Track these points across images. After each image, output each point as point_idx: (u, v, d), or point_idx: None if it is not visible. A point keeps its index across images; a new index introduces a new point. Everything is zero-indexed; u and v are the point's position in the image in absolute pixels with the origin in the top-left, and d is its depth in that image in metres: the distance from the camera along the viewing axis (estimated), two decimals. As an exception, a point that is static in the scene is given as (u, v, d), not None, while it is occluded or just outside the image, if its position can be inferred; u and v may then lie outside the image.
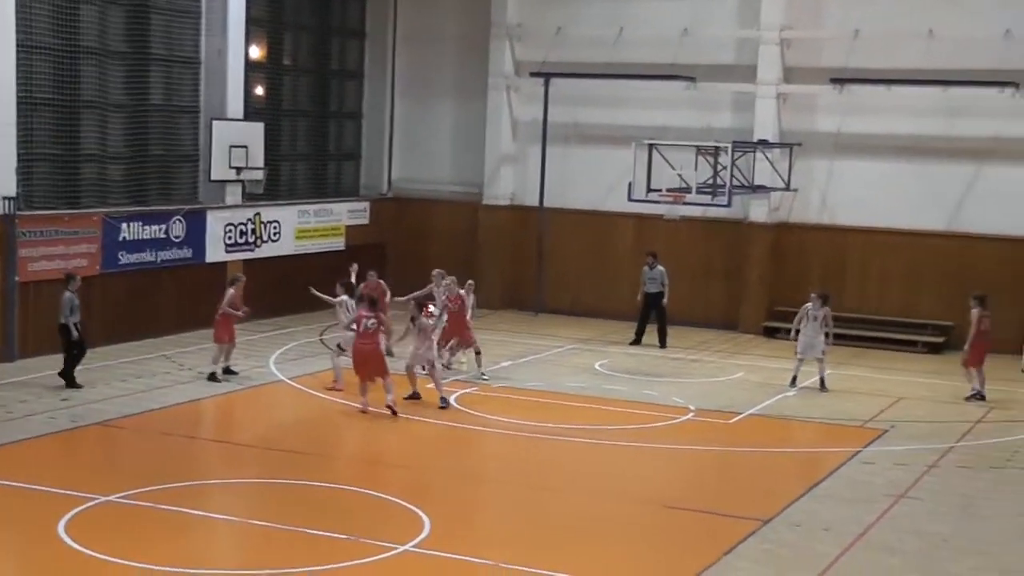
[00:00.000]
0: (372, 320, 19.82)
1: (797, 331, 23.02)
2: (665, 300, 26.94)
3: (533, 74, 30.67)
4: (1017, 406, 22.40)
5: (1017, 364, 25.46)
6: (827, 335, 22.91)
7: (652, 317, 27.15)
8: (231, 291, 21.75)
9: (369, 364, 19.81)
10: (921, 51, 27.38)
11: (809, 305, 22.95)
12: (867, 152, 28.51)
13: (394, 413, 19.53)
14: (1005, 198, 27.31)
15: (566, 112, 30.90)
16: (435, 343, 21.00)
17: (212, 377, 21.51)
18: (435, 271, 24.03)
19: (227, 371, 21.84)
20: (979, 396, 22.45)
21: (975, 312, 22.78)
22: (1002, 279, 27.10)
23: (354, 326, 20.12)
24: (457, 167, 32.55)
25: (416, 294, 22.93)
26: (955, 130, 27.76)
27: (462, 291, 23.08)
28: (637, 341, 26.98)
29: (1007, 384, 24.07)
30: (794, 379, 23.03)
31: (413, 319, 20.93)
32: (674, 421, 20.29)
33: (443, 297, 22.79)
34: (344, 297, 21.95)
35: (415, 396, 20.60)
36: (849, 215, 28.77)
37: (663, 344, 26.73)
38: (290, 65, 30.56)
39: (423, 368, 20.63)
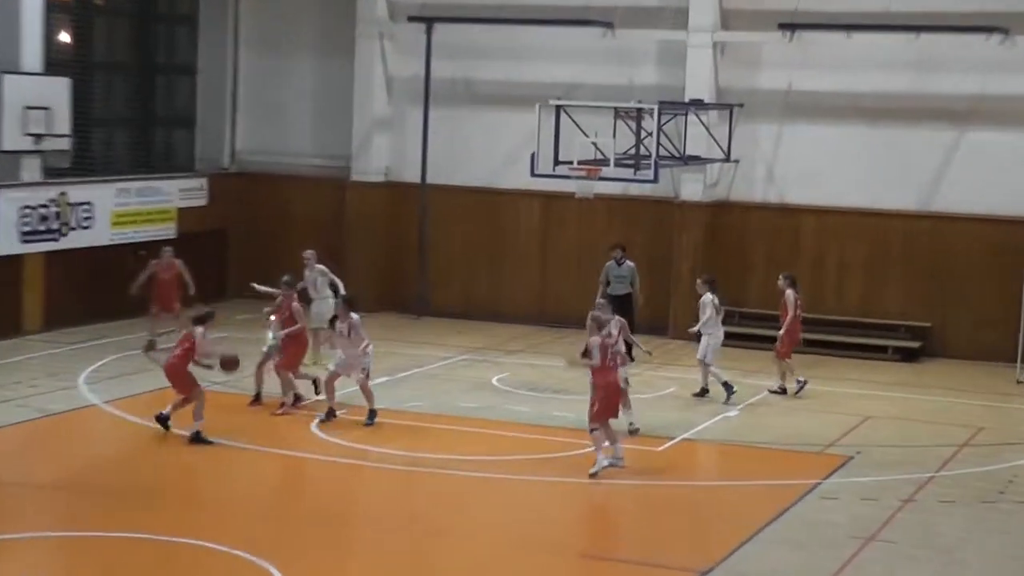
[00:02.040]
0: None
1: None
2: (638, 304, 26.33)
3: (412, 19, 30.49)
4: (1010, 426, 22.63)
5: (1011, 374, 25.74)
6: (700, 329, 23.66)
7: None
8: (200, 331, 20.09)
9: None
10: (888, -10, 27.69)
11: (710, 296, 23.37)
12: (823, 115, 28.70)
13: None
14: (990, 170, 27.62)
15: (453, 66, 30.73)
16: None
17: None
18: (306, 252, 24.86)
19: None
20: (800, 386, 23.80)
21: (791, 294, 23.76)
22: (987, 270, 27.42)
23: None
24: (318, 135, 32.30)
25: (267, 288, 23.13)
26: (929, 87, 28.03)
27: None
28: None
29: (1000, 398, 24.37)
30: (728, 388, 23.18)
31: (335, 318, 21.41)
32: (590, 449, 20.12)
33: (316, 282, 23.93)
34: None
35: (331, 414, 21.10)
36: (801, 192, 28.95)
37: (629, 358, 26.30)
38: (103, 5, 30.07)
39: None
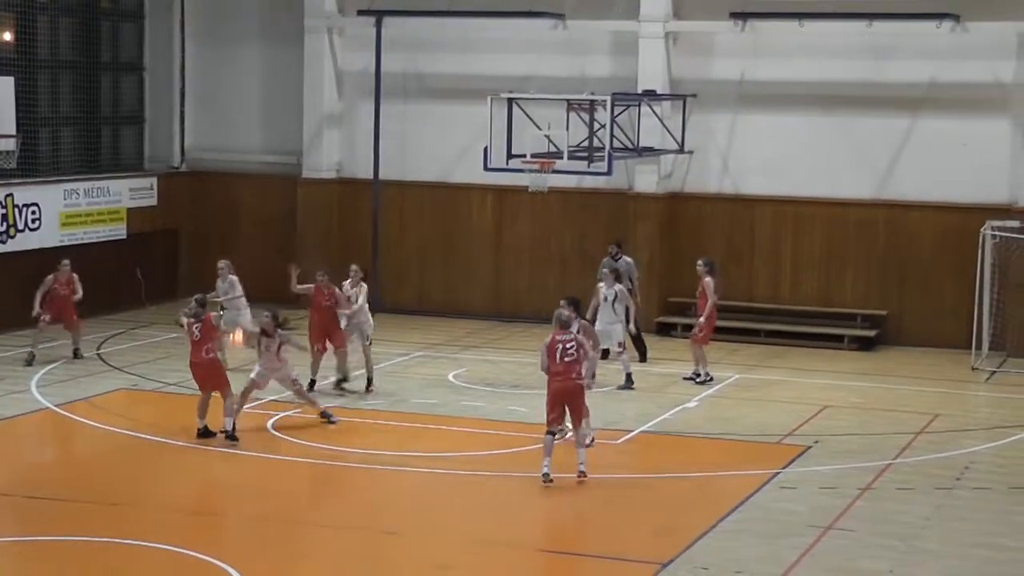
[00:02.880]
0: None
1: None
2: (636, 300, 25.73)
3: (361, 12, 30.45)
4: (966, 413, 22.85)
5: (966, 361, 25.97)
6: (627, 318, 23.85)
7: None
8: (215, 315, 20.63)
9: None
10: (840, -22, 27.84)
11: (602, 284, 23.53)
12: (777, 104, 28.84)
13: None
14: (945, 158, 27.83)
15: (404, 60, 30.74)
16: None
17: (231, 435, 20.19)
18: (220, 262, 24.98)
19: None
20: (708, 377, 24.12)
21: (710, 281, 23.97)
22: (942, 257, 27.66)
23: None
24: (269, 132, 32.23)
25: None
26: (883, 75, 28.22)
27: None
28: (643, 358, 26.01)
29: (956, 385, 24.58)
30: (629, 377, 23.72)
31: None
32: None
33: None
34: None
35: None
36: (757, 182, 29.10)
37: (643, 357, 26.12)
38: (46, 2, 29.90)
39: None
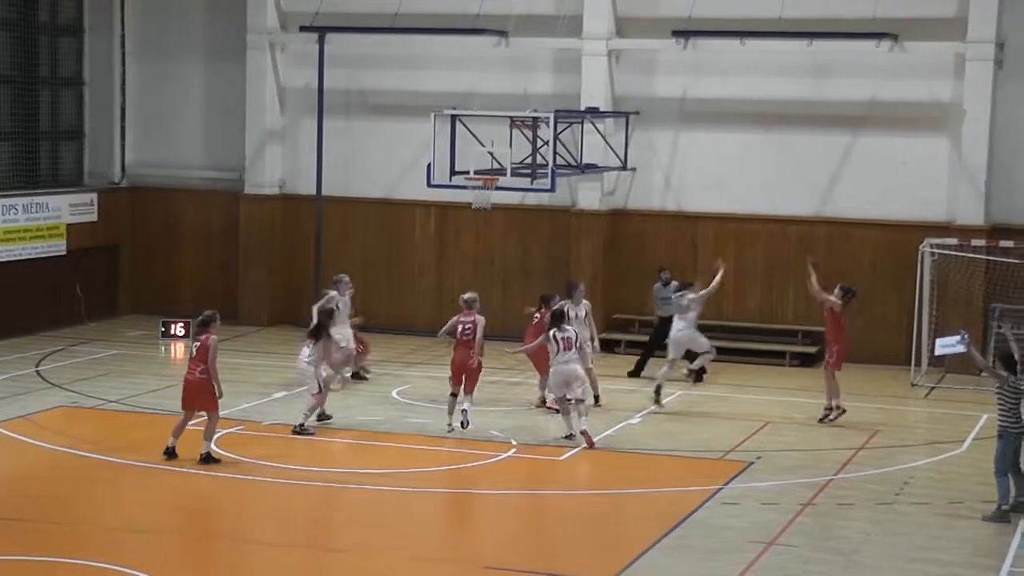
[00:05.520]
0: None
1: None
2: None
3: (304, 28, 30.43)
4: (905, 429, 23.11)
5: (906, 377, 26.25)
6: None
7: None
8: (214, 338, 20.03)
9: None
10: (781, -3, 28.09)
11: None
12: (719, 121, 29.06)
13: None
14: (884, 175, 28.12)
15: (347, 76, 30.77)
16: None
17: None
18: (344, 276, 25.61)
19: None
20: (841, 411, 23.12)
21: (839, 303, 23.39)
22: (881, 274, 27.94)
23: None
24: (210, 148, 32.15)
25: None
26: (823, 93, 28.50)
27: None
28: (636, 372, 26.41)
29: (895, 402, 24.82)
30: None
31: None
32: (492, 460, 20.32)
33: None
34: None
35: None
36: (699, 199, 29.29)
37: (638, 372, 26.44)
38: (-16, 16, 29.79)
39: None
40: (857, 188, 28.30)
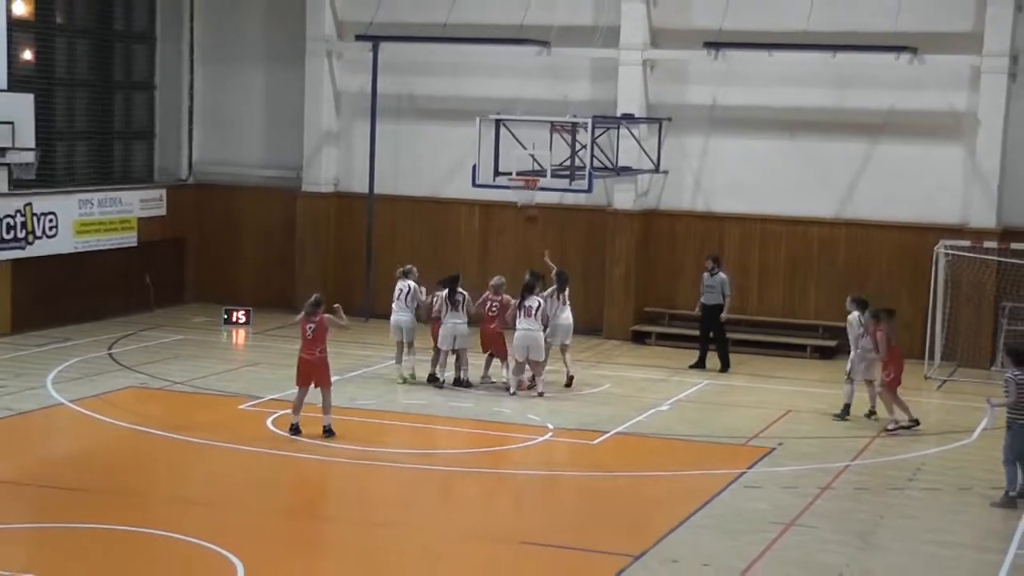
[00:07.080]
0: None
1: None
2: (724, 314, 25.81)
3: (359, 37, 30.48)
4: (919, 418, 22.96)
5: (920, 370, 26.10)
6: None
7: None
8: (330, 316, 20.67)
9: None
10: (806, 11, 27.93)
11: (856, 314, 22.69)
12: (746, 128, 28.99)
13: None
14: (902, 180, 27.99)
15: (398, 82, 30.80)
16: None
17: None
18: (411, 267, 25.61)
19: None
20: (912, 423, 22.09)
21: (882, 335, 22.41)
22: (897, 273, 27.82)
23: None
24: (270, 148, 32.24)
25: None
26: (845, 102, 28.38)
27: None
28: (699, 364, 26.22)
29: (909, 393, 24.59)
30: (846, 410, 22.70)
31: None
32: (530, 443, 20.35)
33: None
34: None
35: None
36: (726, 201, 29.24)
37: (725, 367, 26.11)
38: (64, 24, 29.89)
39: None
40: (876, 192, 28.18)
